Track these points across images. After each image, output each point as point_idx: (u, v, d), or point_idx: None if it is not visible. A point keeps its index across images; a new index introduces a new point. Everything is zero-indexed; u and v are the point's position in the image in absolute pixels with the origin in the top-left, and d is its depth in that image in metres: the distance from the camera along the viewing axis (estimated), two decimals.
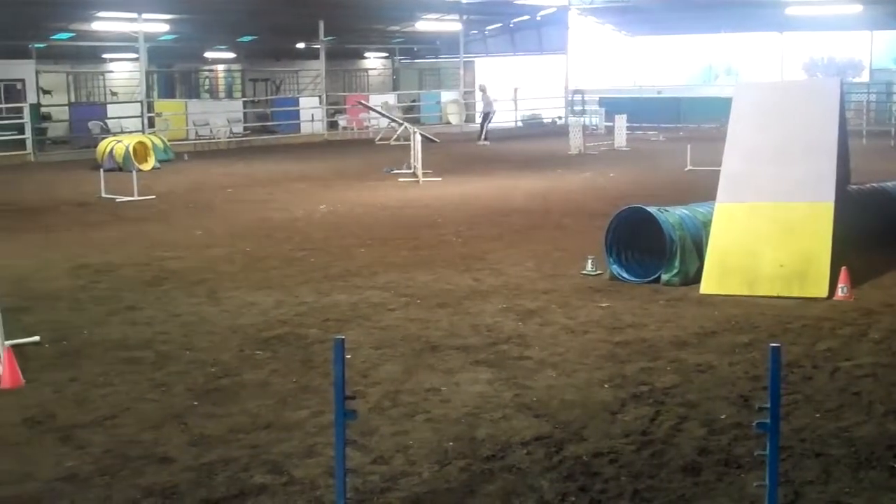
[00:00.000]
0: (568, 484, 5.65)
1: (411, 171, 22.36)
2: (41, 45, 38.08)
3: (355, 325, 9.29)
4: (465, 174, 23.14)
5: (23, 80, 33.78)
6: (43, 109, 35.32)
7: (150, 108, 34.29)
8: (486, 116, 34.67)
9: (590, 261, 11.42)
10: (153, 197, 19.20)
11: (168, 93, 44.25)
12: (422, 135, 22.85)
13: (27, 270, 12.16)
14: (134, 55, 36.11)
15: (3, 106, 31.77)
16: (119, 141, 25.51)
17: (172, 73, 45.94)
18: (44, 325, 9.40)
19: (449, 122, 42.46)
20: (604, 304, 9.96)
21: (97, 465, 6.01)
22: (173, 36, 38.81)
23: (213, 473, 5.86)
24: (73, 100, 40.59)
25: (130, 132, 30.38)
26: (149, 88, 35.68)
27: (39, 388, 7.55)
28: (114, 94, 43.28)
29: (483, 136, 33.63)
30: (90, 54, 42.23)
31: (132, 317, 9.76)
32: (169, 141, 29.34)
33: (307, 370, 7.88)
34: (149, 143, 26.21)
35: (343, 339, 4.80)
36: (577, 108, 39.56)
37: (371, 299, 10.31)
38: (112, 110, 36.23)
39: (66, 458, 6.13)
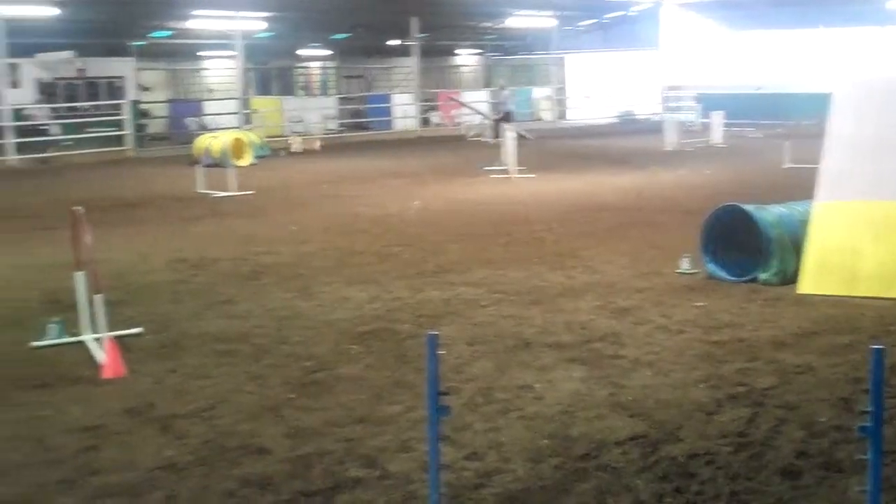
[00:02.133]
0: (663, 485, 5.59)
1: (504, 167, 22.34)
2: (141, 43, 38.91)
3: (448, 321, 9.30)
4: (558, 170, 23.05)
5: (123, 78, 34.61)
6: (142, 106, 36.13)
7: (247, 104, 34.79)
8: (507, 116, 31.86)
9: (685, 259, 11.27)
10: (249, 193, 19.48)
11: (264, 90, 44.86)
12: (518, 133, 22.82)
13: (128, 264, 12.43)
14: (231, 52, 36.67)
15: (104, 102, 32.55)
16: (216, 137, 25.95)
17: (268, 71, 46.54)
18: (144, 317, 9.60)
19: (541, 119, 42.34)
20: (699, 303, 9.82)
21: (195, 455, 6.11)
22: (270, 34, 39.32)
23: (308, 466, 5.92)
24: (171, 97, 41.40)
25: (227, 129, 30.88)
26: (245, 85, 36.21)
27: (140, 378, 7.71)
28: (211, 91, 44.03)
29: (511, 135, 31.96)
30: (188, 52, 43.03)
31: (229, 310, 9.91)
32: (265, 137, 29.75)
33: (401, 365, 7.91)
34: (245, 140, 26.60)
35: (437, 335, 4.80)
36: (673, 104, 39.13)
37: (464, 295, 10.31)
38: (209, 107, 36.90)
39: (165, 448, 6.25)
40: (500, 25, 43.68)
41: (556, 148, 30.04)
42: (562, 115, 42.85)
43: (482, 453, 6.04)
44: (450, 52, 50.00)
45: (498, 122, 31.91)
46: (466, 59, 51.93)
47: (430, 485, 4.95)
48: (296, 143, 30.90)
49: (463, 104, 34.49)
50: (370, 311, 9.74)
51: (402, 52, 42.64)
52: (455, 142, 33.27)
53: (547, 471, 5.79)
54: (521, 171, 21.85)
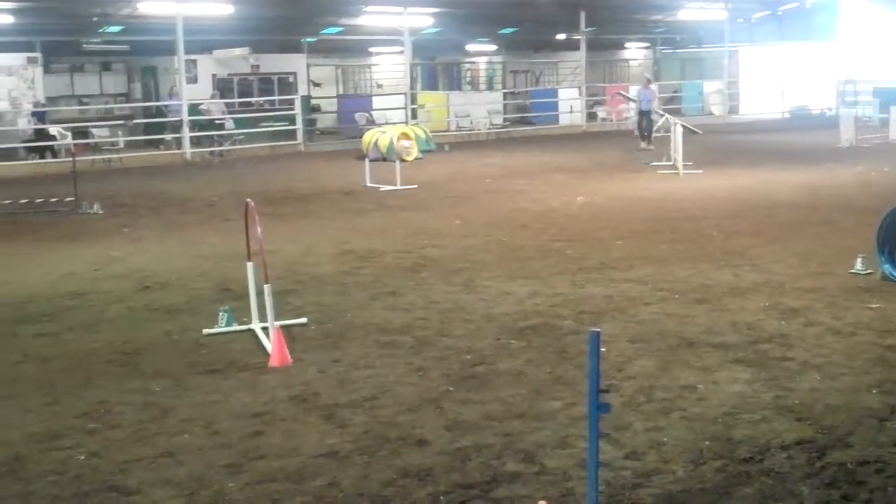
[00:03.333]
0: (830, 491, 5.40)
1: (671, 163, 21.98)
2: (312, 40, 39.78)
3: (610, 318, 9.21)
4: (728, 167, 22.50)
5: (295, 74, 35.50)
6: (313, 101, 36.95)
7: (414, 99, 35.17)
8: (647, 116, 28.70)
9: (859, 259, 10.87)
10: (415, 187, 19.70)
11: (431, 85, 45.27)
12: (683, 126, 22.41)
13: (297, 255, 12.74)
14: (399, 48, 37.15)
15: (277, 98, 33.43)
16: (383, 132, 26.31)
17: (435, 66, 46.96)
18: (310, 307, 9.83)
19: (711, 113, 41.50)
20: (874, 305, 9.45)
21: (357, 444, 6.22)
22: (437, 29, 39.66)
23: (467, 458, 5.95)
24: (340, 92, 42.20)
25: (394, 123, 31.28)
26: (412, 81, 36.61)
27: (305, 367, 7.90)
28: (379, 86, 44.69)
29: (648, 139, 27.91)
30: (357, 48, 43.75)
31: (393, 302, 10.05)
32: (430, 132, 30.02)
33: (561, 361, 7.88)
34: (412, 135, 26.90)
35: (598, 332, 4.75)
36: (849, 98, 37.74)
37: (627, 292, 10.19)
38: (377, 102, 37.46)
39: (328, 436, 6.38)
40: (671, 18, 42.94)
41: (725, 143, 29.34)
42: (733, 110, 41.85)
43: (642, 453, 5.97)
44: (618, 46, 49.43)
45: (642, 120, 28.72)
46: (635, 52, 51.27)
47: (589, 482, 4.91)
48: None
49: (630, 99, 34.00)
50: (531, 306, 9.72)
51: (570, 46, 42.39)
52: (622, 137, 32.87)
53: (708, 473, 5.67)
54: (687, 167, 21.45)
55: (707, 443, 6.10)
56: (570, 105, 38.78)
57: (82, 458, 6.15)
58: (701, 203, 16.75)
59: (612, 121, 38.71)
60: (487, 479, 5.66)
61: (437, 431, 6.41)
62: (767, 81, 41.13)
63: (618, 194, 18.23)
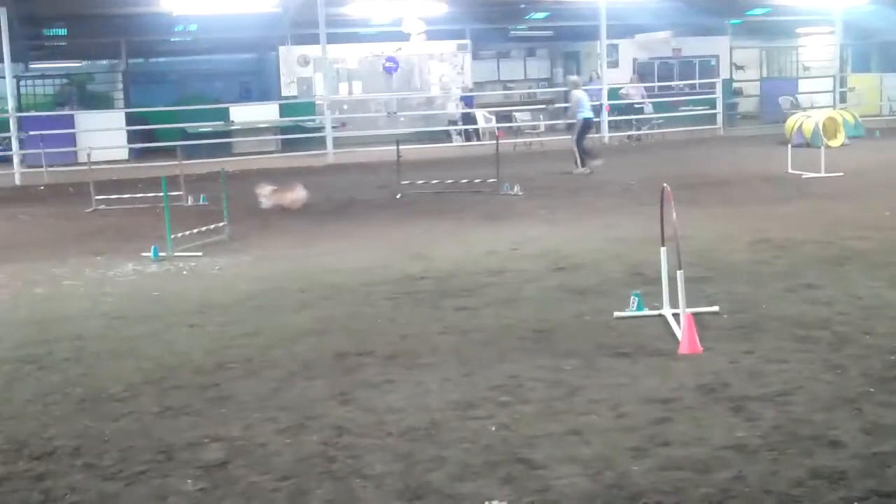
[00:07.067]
0: None
1: None
2: (737, 21, 38.92)
3: None
4: None
5: (717, 56, 34.97)
6: (735, 85, 36.18)
7: (843, 82, 33.50)
8: (582, 129, 21.70)
9: None
10: (840, 174, 18.76)
11: (863, 66, 42.84)
12: None
13: (711, 242, 12.53)
14: (829, 28, 35.45)
15: (698, 81, 33.07)
16: (808, 116, 25.30)
17: (869, 46, 44.35)
18: (723, 295, 9.63)
19: None
20: None
21: (765, 440, 6.02)
22: (874, 7, 37.39)
23: (885, 465, 5.59)
24: (764, 75, 41.01)
25: (821, 107, 29.96)
26: (842, 62, 34.85)
27: (715, 357, 7.75)
28: (806, 68, 42.96)
29: (581, 162, 21.34)
30: (784, 29, 42.23)
31: (811, 295, 9.62)
32: (860, 116, 28.47)
33: None
34: (839, 119, 25.65)
35: None
36: None
37: None
38: (803, 85, 36.07)
39: (736, 428, 6.23)
40: None
41: None
42: None
43: None
44: None
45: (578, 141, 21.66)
46: None
47: None
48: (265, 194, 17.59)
49: None
50: None
51: None
52: None
53: None
54: None
55: None
56: None
57: (493, 428, 6.41)
58: None
59: None
60: None
61: (853, 433, 6.07)
62: None
63: None
